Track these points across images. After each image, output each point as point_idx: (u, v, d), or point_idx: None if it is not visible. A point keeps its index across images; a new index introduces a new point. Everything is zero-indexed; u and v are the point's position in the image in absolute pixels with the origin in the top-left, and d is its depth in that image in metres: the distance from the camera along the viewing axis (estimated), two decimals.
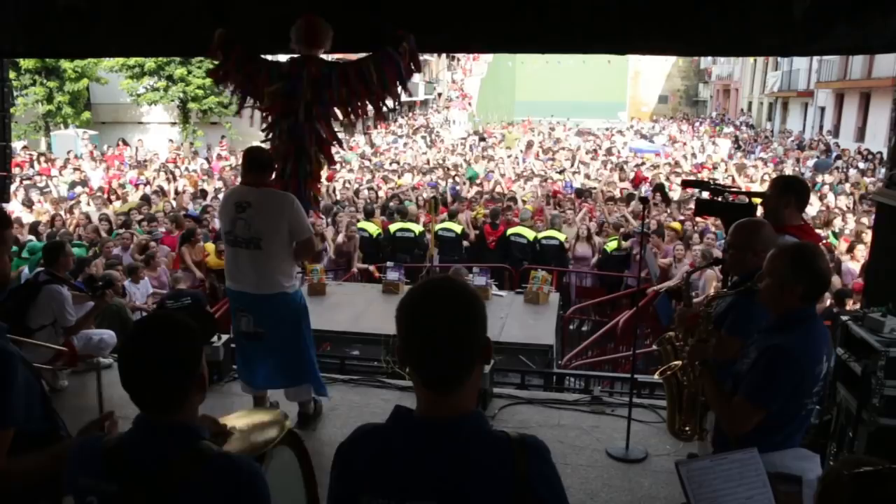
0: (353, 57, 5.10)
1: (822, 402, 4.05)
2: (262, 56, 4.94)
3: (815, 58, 28.52)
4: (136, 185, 15.19)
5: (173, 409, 1.72)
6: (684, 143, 27.10)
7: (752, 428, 2.50)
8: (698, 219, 11.01)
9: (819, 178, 17.49)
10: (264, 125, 4.96)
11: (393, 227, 10.99)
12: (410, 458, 1.50)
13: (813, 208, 13.01)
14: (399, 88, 4.87)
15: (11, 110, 6.86)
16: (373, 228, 11.11)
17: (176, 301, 6.67)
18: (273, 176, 4.61)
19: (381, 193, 14.66)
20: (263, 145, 4.97)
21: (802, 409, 2.55)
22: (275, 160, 4.68)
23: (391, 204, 12.58)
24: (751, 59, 38.15)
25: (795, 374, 2.47)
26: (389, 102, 4.94)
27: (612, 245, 10.29)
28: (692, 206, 12.46)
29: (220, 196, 13.68)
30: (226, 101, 22.67)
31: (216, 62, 4.94)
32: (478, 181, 16.40)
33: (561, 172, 18.15)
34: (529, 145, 25.17)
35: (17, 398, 1.97)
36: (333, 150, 5.18)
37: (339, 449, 1.61)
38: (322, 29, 4.68)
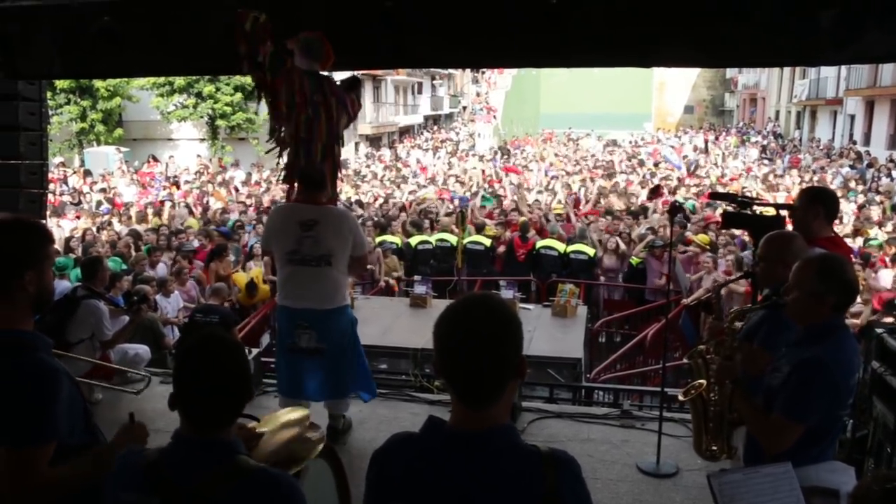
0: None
1: (857, 417, 3.98)
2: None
3: (844, 65, 28.12)
4: (162, 203, 15.34)
5: (223, 425, 1.76)
6: (707, 154, 26.82)
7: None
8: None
9: (852, 186, 17.27)
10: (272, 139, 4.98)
11: (413, 241, 11.07)
12: (442, 469, 1.53)
13: (847, 217, 12.90)
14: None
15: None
16: (400, 241, 11.21)
17: (205, 316, 6.78)
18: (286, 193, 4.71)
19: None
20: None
21: (837, 421, 2.53)
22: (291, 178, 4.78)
23: (422, 217, 12.67)
24: (777, 68, 37.76)
25: (831, 386, 2.44)
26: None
27: (636, 259, 10.27)
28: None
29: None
30: (253, 118, 23.02)
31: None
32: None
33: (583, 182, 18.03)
34: (542, 158, 25.12)
35: (61, 413, 2.02)
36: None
37: (373, 456, 1.65)
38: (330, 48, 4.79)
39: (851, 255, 4.12)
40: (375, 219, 12.51)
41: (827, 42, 4.51)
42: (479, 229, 11.23)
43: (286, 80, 4.68)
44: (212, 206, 14.84)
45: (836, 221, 4.71)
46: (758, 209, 4.02)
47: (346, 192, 17.51)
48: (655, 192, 12.10)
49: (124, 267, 8.87)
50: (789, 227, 3.63)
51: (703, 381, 3.08)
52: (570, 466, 1.57)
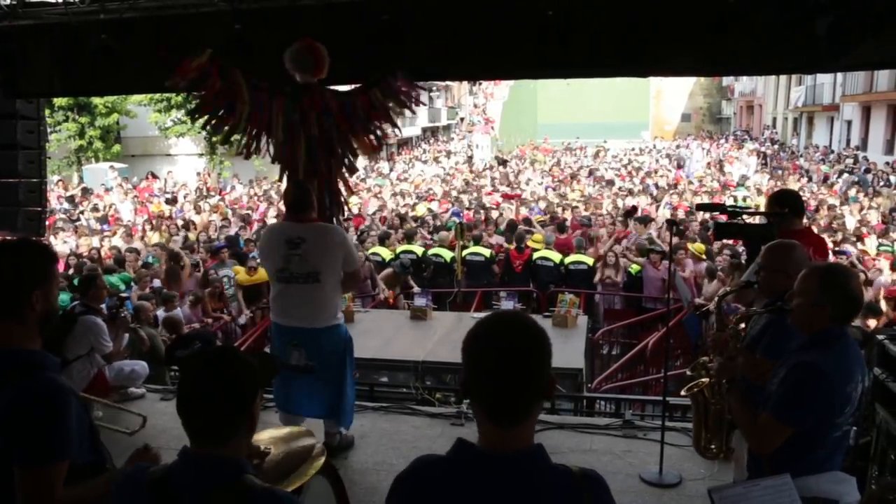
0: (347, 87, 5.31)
1: (860, 423, 3.96)
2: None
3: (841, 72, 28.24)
4: (163, 220, 15.32)
5: (221, 440, 1.74)
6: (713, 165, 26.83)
7: (786, 450, 2.46)
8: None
9: (852, 192, 17.32)
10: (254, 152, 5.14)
11: (398, 250, 11.10)
12: (477, 491, 1.52)
13: (850, 220, 12.99)
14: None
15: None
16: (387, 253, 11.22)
17: (186, 349, 6.78)
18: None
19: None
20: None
21: (836, 429, 2.49)
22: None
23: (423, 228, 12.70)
24: (774, 76, 37.88)
25: (826, 391, 2.42)
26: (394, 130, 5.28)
27: (636, 268, 10.26)
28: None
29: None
30: None
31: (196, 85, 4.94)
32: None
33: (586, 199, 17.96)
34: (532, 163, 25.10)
35: (72, 432, 2.04)
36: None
37: (398, 479, 1.62)
38: (324, 54, 4.80)
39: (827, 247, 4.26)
40: (374, 232, 12.52)
41: (824, 50, 4.54)
42: (478, 241, 11.23)
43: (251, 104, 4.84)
44: (199, 222, 14.73)
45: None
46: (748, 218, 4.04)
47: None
48: (631, 214, 12.25)
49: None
50: None
51: (707, 379, 3.10)
52: (602, 484, 1.59)
